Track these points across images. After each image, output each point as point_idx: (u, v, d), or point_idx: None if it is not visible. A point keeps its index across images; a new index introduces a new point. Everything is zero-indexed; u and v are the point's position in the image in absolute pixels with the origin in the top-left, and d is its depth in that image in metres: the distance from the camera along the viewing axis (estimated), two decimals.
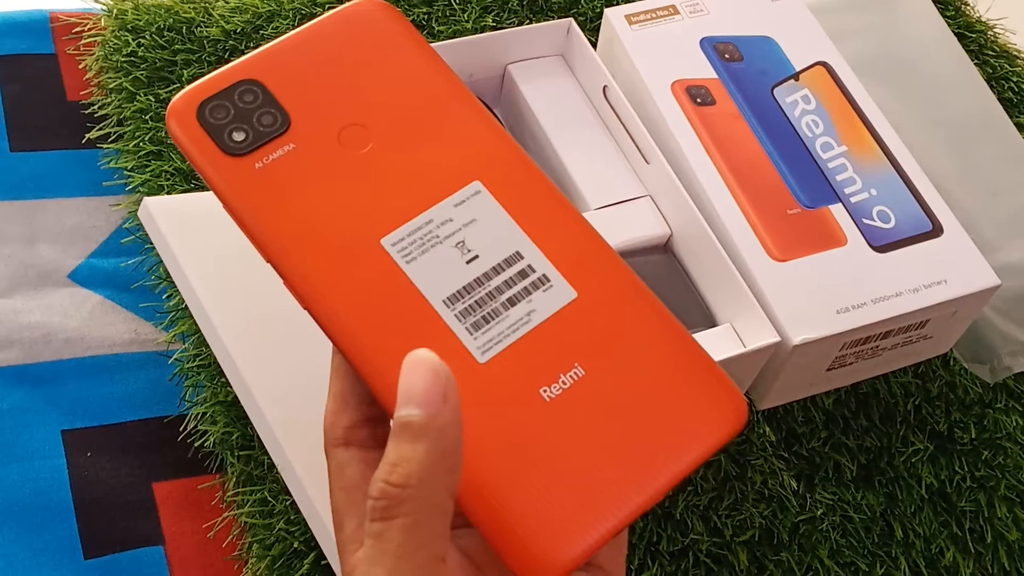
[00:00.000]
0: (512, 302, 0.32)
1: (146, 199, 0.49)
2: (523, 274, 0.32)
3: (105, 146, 0.60)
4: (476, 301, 0.32)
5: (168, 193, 0.57)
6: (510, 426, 0.31)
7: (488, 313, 0.32)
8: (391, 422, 0.29)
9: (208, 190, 0.33)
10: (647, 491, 0.30)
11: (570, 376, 0.31)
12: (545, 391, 0.31)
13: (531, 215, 0.33)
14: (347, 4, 0.35)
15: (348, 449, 0.32)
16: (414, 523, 0.28)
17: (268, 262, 0.32)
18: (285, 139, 0.33)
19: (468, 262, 0.32)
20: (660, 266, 0.54)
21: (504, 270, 0.32)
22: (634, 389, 0.31)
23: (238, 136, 0.32)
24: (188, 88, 0.33)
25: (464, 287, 0.32)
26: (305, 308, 0.32)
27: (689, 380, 0.31)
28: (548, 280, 0.32)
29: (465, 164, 0.33)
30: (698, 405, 0.31)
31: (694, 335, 0.50)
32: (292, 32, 0.34)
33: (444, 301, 0.32)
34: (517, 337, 0.31)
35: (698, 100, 0.56)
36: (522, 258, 0.32)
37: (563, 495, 0.30)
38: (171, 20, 0.63)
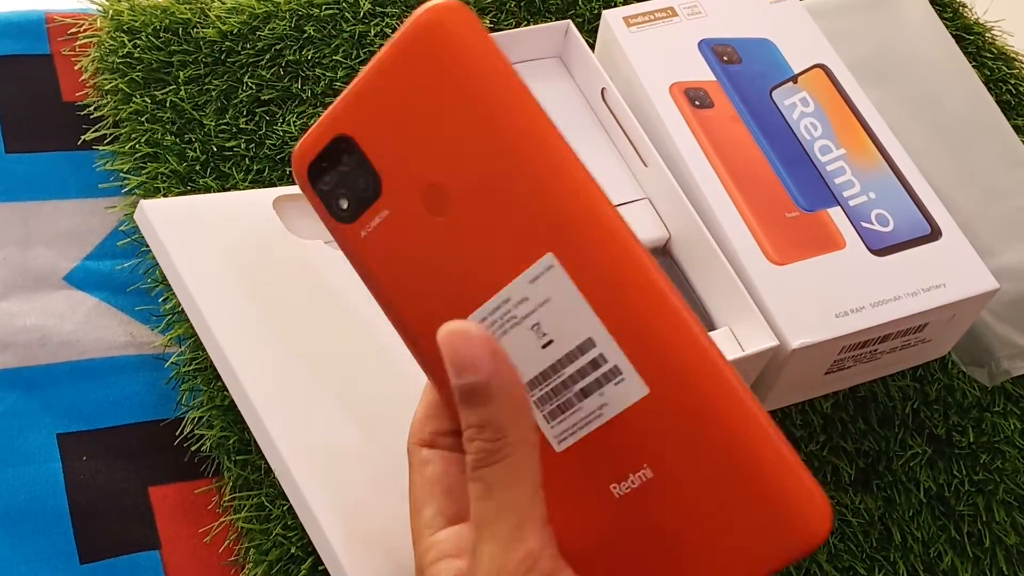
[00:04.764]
0: (585, 393, 0.32)
1: (142, 201, 0.49)
2: (595, 364, 0.32)
3: (101, 148, 0.59)
4: (552, 389, 0.32)
5: (164, 195, 0.56)
6: (581, 517, 0.32)
7: (563, 403, 0.32)
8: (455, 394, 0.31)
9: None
10: None
11: (639, 476, 0.31)
12: (615, 488, 0.31)
13: (605, 293, 0.32)
14: (418, 15, 0.32)
15: (432, 449, 0.36)
16: (515, 461, 0.31)
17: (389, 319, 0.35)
18: (380, 205, 0.34)
19: (543, 347, 0.32)
20: None
21: (577, 358, 0.32)
22: (703, 497, 0.30)
23: (343, 204, 0.34)
24: (298, 145, 0.35)
25: (541, 373, 0.33)
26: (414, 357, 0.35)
27: (764, 488, 0.29)
28: (620, 372, 0.31)
29: (539, 231, 0.32)
30: (772, 515, 0.29)
31: None
32: (371, 65, 0.33)
33: (526, 385, 0.33)
34: (590, 430, 0.32)
35: (696, 102, 0.56)
36: (594, 346, 0.32)
37: None
38: (167, 21, 0.63)
